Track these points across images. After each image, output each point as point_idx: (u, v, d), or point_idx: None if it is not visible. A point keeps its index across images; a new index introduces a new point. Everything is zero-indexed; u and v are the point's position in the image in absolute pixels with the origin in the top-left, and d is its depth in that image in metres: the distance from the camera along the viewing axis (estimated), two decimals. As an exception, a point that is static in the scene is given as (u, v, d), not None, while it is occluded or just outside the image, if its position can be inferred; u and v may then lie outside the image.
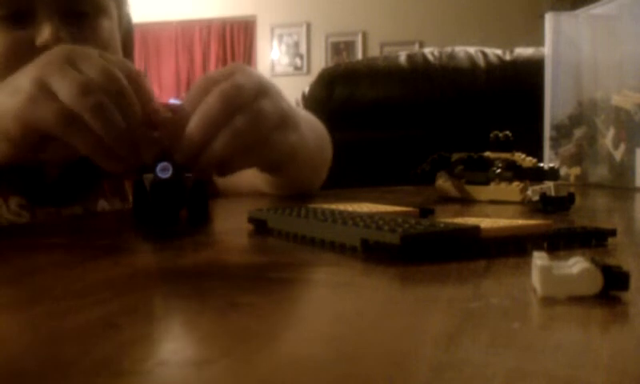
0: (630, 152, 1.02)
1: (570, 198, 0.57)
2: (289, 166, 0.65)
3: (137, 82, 0.51)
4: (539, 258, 0.25)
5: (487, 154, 0.73)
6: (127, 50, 0.81)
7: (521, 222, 0.38)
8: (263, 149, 0.57)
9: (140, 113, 0.50)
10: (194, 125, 0.51)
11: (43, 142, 0.51)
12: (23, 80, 0.50)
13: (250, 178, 0.74)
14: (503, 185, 0.69)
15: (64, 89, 0.48)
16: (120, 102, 0.49)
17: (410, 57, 1.87)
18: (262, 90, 0.57)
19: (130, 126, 0.49)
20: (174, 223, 0.49)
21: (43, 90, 0.49)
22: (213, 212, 0.52)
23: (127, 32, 0.82)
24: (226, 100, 0.52)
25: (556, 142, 1.19)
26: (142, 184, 0.50)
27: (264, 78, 0.60)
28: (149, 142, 0.50)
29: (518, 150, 0.72)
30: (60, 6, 0.69)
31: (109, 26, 0.75)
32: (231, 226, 0.52)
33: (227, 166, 0.55)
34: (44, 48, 0.62)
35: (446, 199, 0.72)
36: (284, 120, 0.59)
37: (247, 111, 0.54)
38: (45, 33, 0.67)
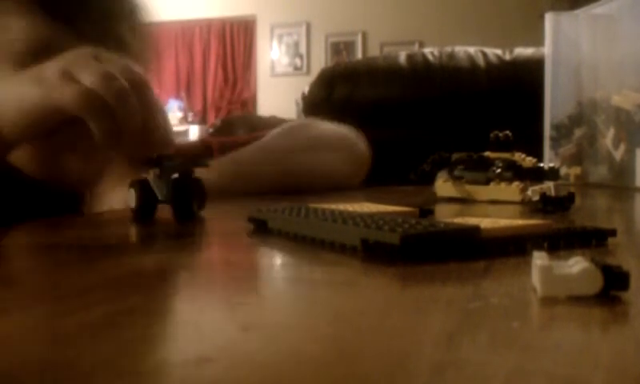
0: (629, 152, 1.02)
1: (570, 197, 0.57)
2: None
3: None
4: (539, 258, 0.25)
5: (487, 153, 0.73)
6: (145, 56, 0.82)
7: (521, 221, 0.38)
8: None
9: (159, 107, 0.53)
10: None
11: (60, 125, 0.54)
12: (48, 72, 0.52)
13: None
14: (503, 185, 0.69)
15: (87, 75, 0.50)
16: (139, 94, 0.51)
17: (409, 57, 1.88)
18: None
19: (147, 117, 0.51)
20: (191, 217, 0.51)
21: (67, 76, 0.51)
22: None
23: (144, 41, 0.82)
24: None
25: (556, 142, 1.19)
26: (147, 184, 0.52)
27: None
28: (162, 138, 0.53)
29: (518, 150, 0.72)
30: None
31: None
32: (231, 225, 0.52)
33: None
34: None
35: (446, 199, 0.72)
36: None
37: None
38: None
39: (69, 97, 0.50)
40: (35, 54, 0.69)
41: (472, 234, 0.34)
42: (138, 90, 0.51)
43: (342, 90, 1.84)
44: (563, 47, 1.18)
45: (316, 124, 0.95)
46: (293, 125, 0.94)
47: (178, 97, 6.71)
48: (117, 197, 0.70)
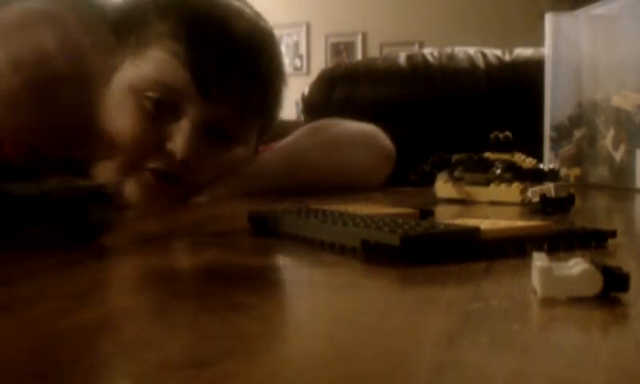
0: (629, 153, 1.02)
1: (570, 199, 0.57)
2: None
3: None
4: (539, 259, 0.25)
5: (487, 154, 0.73)
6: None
7: (521, 223, 0.38)
8: None
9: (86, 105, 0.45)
10: None
11: None
12: None
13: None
14: (503, 186, 0.69)
15: None
16: (60, 85, 0.43)
17: (409, 57, 1.88)
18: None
19: (60, 114, 0.44)
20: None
21: None
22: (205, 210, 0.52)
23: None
24: None
25: (556, 143, 1.19)
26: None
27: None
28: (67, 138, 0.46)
29: (517, 151, 0.72)
30: (206, 119, 0.71)
31: (243, 153, 0.78)
32: (231, 226, 0.52)
33: None
34: (171, 153, 0.69)
35: (446, 200, 0.72)
36: None
37: None
38: (178, 142, 0.69)
39: None
40: (155, 92, 0.69)
41: (472, 236, 0.34)
42: (49, 82, 0.43)
43: (342, 90, 1.83)
44: (563, 48, 1.18)
45: (337, 122, 0.95)
46: (315, 124, 0.94)
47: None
48: None
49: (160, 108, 0.70)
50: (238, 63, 0.73)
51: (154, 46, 0.71)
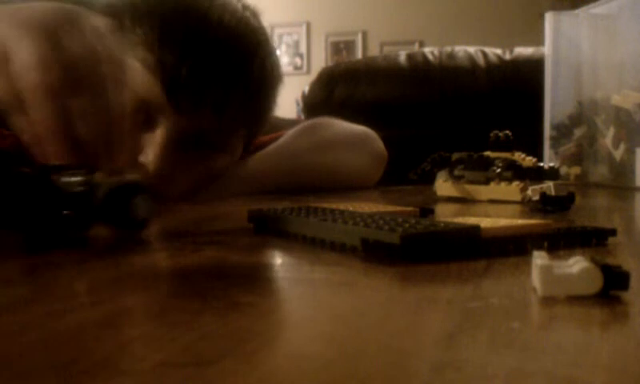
0: (629, 152, 1.02)
1: (570, 197, 0.57)
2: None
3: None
4: (539, 258, 0.25)
5: (487, 153, 0.73)
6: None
7: (521, 221, 0.38)
8: None
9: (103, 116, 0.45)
10: None
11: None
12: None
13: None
14: (503, 184, 0.69)
15: (22, 57, 0.43)
16: (81, 93, 0.43)
17: (409, 57, 1.88)
18: None
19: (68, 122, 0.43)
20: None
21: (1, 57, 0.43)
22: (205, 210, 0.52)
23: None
24: None
25: (556, 142, 1.19)
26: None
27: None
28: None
29: (517, 150, 0.72)
30: (181, 132, 0.68)
31: (227, 161, 0.75)
32: (231, 225, 0.52)
33: None
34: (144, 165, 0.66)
35: (446, 199, 0.72)
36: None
37: None
38: (150, 156, 0.67)
39: None
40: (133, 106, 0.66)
41: (472, 234, 0.34)
42: (93, 81, 0.44)
43: (342, 89, 1.84)
44: (563, 47, 1.18)
45: (332, 123, 0.95)
46: (309, 124, 0.93)
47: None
48: None
49: (134, 119, 0.68)
50: (215, 70, 0.69)
51: (129, 54, 0.68)
